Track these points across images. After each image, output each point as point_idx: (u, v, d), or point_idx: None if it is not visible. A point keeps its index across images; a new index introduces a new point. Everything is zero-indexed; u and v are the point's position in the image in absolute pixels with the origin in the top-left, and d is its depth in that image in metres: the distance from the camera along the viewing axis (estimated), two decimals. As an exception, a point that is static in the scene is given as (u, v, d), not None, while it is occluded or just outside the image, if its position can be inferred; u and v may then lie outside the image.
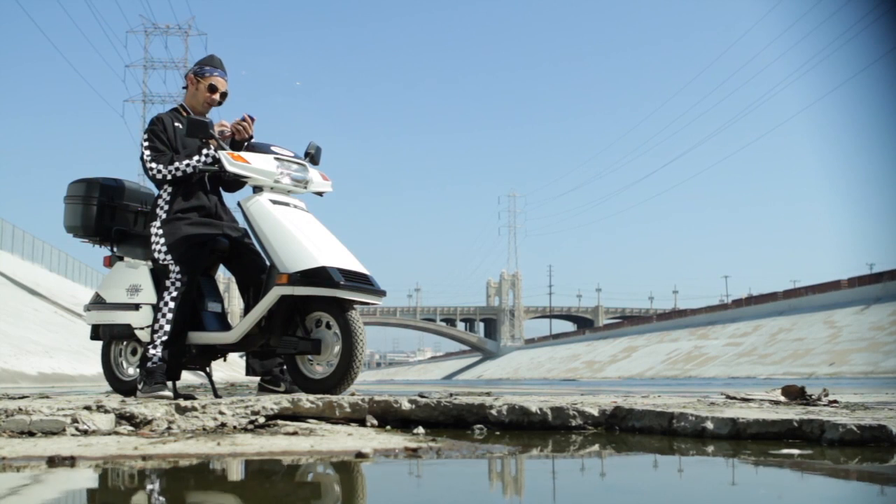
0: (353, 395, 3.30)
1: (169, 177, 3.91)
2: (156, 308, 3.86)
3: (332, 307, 3.67)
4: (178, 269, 3.85)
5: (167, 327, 3.80)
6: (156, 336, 3.80)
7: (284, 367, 3.93)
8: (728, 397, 3.60)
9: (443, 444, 2.40)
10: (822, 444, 2.38)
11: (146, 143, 3.96)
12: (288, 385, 3.97)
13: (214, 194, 4.10)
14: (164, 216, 3.94)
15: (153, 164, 3.91)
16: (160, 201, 3.98)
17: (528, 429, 2.84)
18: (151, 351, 3.79)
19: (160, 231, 3.92)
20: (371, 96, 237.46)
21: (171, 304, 3.82)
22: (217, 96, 4.09)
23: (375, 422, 2.90)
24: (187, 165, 3.89)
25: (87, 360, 16.33)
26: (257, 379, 4.18)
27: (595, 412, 2.87)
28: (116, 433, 2.57)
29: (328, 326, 3.71)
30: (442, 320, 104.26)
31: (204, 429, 2.67)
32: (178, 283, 3.84)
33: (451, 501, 1.70)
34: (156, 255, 3.92)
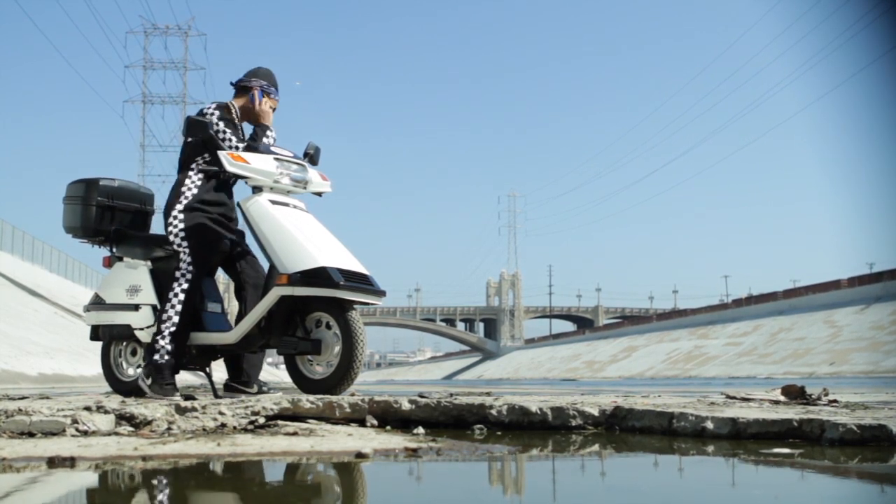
0: (353, 395, 3.30)
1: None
2: (164, 299, 3.84)
3: (332, 307, 3.68)
4: (189, 259, 3.83)
5: (175, 318, 3.78)
6: (164, 326, 3.78)
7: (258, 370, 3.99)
8: (728, 397, 3.60)
9: (443, 444, 2.40)
10: (823, 443, 2.38)
11: (220, 125, 3.88)
12: (260, 387, 3.95)
13: (231, 198, 4.08)
14: (185, 202, 3.88)
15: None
16: (183, 188, 3.91)
17: (528, 429, 2.84)
18: (160, 342, 3.77)
19: (180, 216, 3.87)
20: (371, 96, 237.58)
21: (182, 296, 3.79)
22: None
23: (375, 422, 2.90)
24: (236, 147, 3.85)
25: (87, 360, 16.31)
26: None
27: (595, 412, 2.87)
28: (116, 434, 2.57)
29: (328, 327, 3.72)
30: (442, 320, 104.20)
31: (204, 429, 2.67)
32: (188, 275, 3.83)
33: (451, 501, 1.70)
34: (171, 238, 3.87)
